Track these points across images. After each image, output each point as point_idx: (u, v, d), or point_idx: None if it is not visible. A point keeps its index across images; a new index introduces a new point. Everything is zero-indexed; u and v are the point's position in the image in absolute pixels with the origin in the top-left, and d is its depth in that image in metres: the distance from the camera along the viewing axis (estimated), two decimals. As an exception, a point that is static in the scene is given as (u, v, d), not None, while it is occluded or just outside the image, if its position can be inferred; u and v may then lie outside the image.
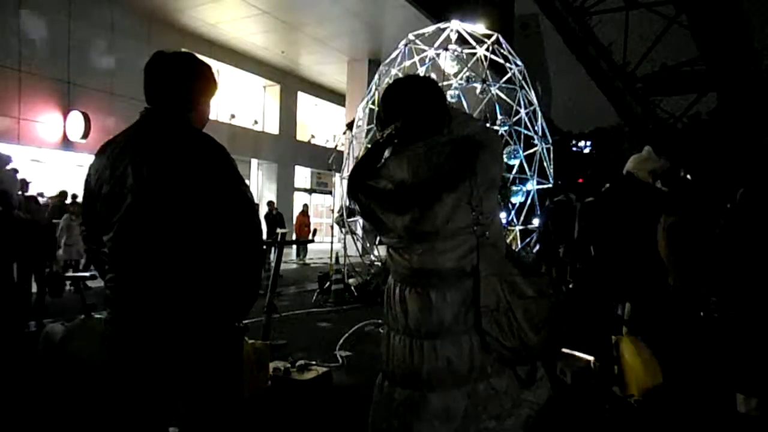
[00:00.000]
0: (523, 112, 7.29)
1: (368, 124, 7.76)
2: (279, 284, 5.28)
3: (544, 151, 7.39)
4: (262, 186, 19.30)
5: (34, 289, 5.76)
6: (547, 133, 7.64)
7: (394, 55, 7.59)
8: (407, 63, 7.48)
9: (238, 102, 18.23)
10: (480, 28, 7.91)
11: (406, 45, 7.48)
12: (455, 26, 7.47)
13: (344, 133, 8.64)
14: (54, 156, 12.23)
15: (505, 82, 7.39)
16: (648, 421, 3.10)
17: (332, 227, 10.09)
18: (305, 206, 16.50)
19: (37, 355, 4.06)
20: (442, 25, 7.66)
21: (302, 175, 21.46)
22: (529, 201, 7.39)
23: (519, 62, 7.50)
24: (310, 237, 13.94)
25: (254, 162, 19.04)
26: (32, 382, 3.55)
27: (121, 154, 1.52)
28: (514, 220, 7.35)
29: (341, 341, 4.78)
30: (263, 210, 13.65)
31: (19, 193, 6.47)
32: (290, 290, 8.70)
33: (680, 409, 3.21)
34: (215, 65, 15.12)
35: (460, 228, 1.59)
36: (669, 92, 21.71)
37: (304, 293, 8.23)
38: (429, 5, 13.92)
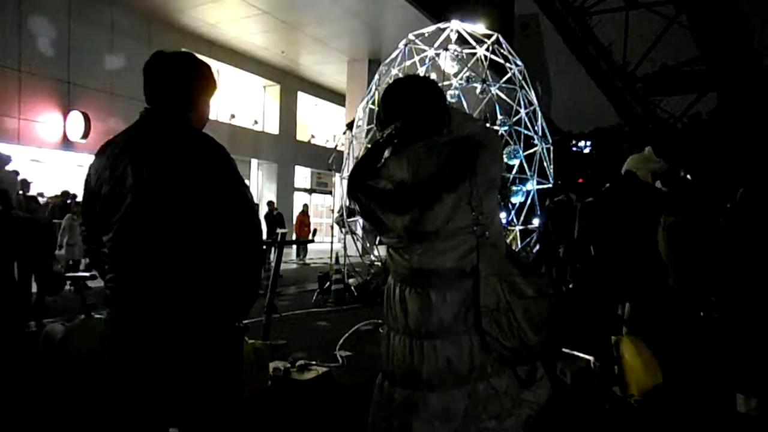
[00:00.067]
0: (523, 112, 7.29)
1: (368, 124, 7.75)
2: (279, 284, 5.28)
3: (544, 151, 7.39)
4: (262, 186, 19.30)
5: (34, 289, 5.75)
6: (547, 133, 7.64)
7: (394, 55, 7.59)
8: (407, 63, 7.48)
9: (238, 102, 18.23)
10: (480, 28, 7.91)
11: (406, 45, 7.48)
12: (455, 26, 7.47)
13: (344, 133, 8.64)
14: (54, 156, 12.23)
15: (505, 82, 7.39)
16: (648, 421, 3.10)
17: (332, 227, 10.09)
18: (305, 206, 16.50)
19: (37, 355, 4.06)
20: (442, 25, 7.66)
21: (302, 175, 21.46)
22: (529, 201, 7.39)
23: (519, 62, 7.50)
24: (310, 237, 13.96)
25: (254, 162, 19.04)
26: (32, 382, 3.55)
27: (121, 155, 1.52)
28: (514, 220, 7.35)
29: (341, 341, 4.78)
30: (263, 210, 13.66)
31: (20, 192, 6.48)
32: (290, 290, 8.69)
33: (680, 409, 3.21)
34: (215, 65, 15.12)
35: (460, 228, 1.59)
36: (669, 92, 21.71)
37: (304, 293, 8.23)
38: (429, 5, 13.92)
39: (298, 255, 14.91)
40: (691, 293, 4.79)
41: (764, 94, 18.26)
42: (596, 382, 3.57)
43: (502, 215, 6.99)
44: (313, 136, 21.88)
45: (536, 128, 7.42)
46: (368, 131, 7.75)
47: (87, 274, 4.53)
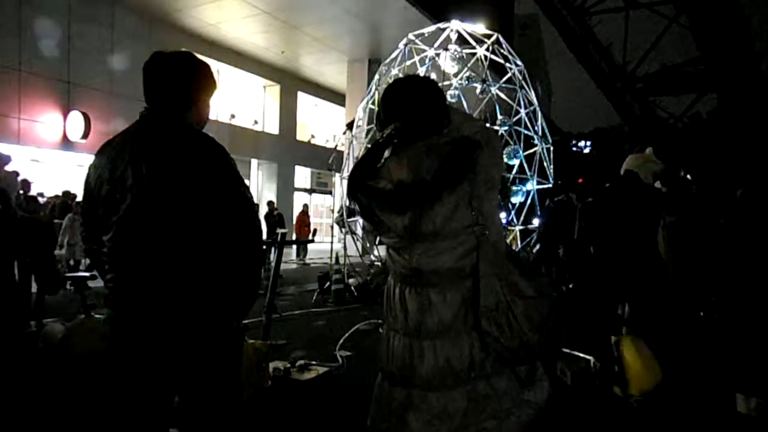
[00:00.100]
0: (523, 112, 7.28)
1: (368, 124, 7.74)
2: (279, 284, 5.28)
3: (544, 151, 7.39)
4: (262, 186, 19.30)
5: (34, 289, 5.76)
6: (547, 133, 7.63)
7: (394, 55, 7.59)
8: (407, 63, 7.48)
9: (238, 102, 18.23)
10: (480, 28, 7.89)
11: (406, 45, 7.48)
12: (455, 26, 7.46)
13: (344, 133, 8.63)
14: (54, 156, 12.23)
15: (505, 82, 7.38)
16: (648, 421, 3.10)
17: (332, 227, 10.09)
18: (305, 206, 16.50)
19: (37, 355, 4.06)
20: (442, 25, 7.65)
21: (302, 175, 21.46)
22: (529, 201, 7.38)
23: (519, 62, 7.49)
24: (310, 237, 13.96)
25: (254, 162, 19.04)
26: (32, 382, 3.55)
27: (121, 155, 1.52)
28: (514, 220, 7.35)
29: (341, 341, 4.78)
30: (263, 210, 13.66)
31: (21, 192, 6.48)
32: (290, 290, 8.69)
33: (680, 409, 3.21)
34: (215, 65, 15.12)
35: (460, 228, 1.59)
36: (669, 92, 21.69)
37: (304, 293, 8.23)
38: (429, 5, 13.92)
39: (298, 255, 14.91)
40: (691, 293, 4.79)
41: (764, 95, 18.25)
42: (596, 382, 3.57)
43: (502, 215, 6.98)
44: (313, 136, 21.88)
45: (536, 128, 7.42)
46: (368, 131, 7.74)
47: (87, 274, 4.53)
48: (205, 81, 1.66)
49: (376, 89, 7.57)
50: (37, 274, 5.38)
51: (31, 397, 3.27)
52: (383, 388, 1.71)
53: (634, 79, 20.99)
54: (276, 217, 13.26)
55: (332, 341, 4.79)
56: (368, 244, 7.96)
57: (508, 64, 7.39)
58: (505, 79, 7.41)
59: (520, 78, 7.34)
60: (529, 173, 7.25)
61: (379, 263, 7.79)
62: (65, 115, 11.99)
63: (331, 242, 8.69)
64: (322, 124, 22.60)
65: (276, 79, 18.97)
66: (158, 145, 1.51)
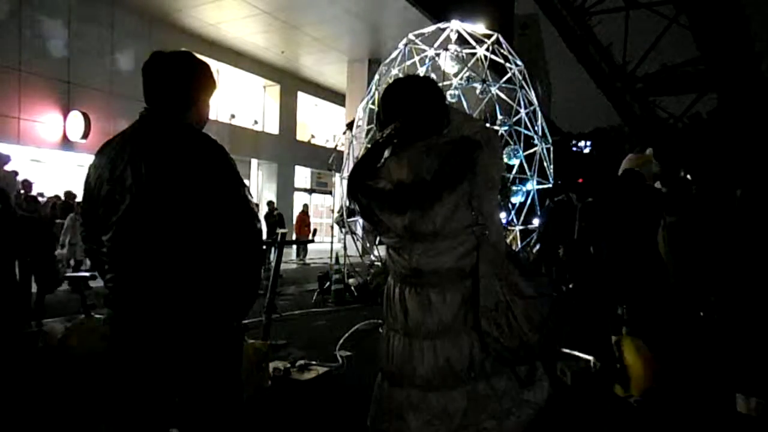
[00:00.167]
0: (523, 112, 7.28)
1: (368, 124, 7.75)
2: (279, 284, 5.28)
3: (544, 151, 7.39)
4: (262, 186, 19.30)
5: (34, 289, 5.76)
6: (547, 133, 7.63)
7: (394, 55, 7.59)
8: (407, 63, 7.48)
9: (238, 102, 18.23)
10: (480, 28, 7.89)
11: (406, 45, 7.48)
12: (455, 26, 7.46)
13: (344, 133, 8.63)
14: (54, 156, 12.23)
15: (505, 82, 7.38)
16: (648, 421, 3.10)
17: (332, 227, 10.09)
18: (305, 206, 16.51)
19: (36, 355, 4.06)
20: (442, 25, 7.66)
21: (302, 175, 21.46)
22: (529, 201, 7.38)
23: (519, 62, 7.49)
24: (310, 237, 13.97)
25: (254, 162, 19.05)
26: (32, 382, 3.55)
27: (120, 155, 1.52)
28: (514, 220, 7.35)
29: (341, 341, 4.78)
30: (263, 210, 13.66)
31: (21, 192, 6.48)
32: (290, 290, 8.69)
33: (680, 409, 3.21)
34: (215, 65, 15.13)
35: (460, 228, 1.59)
36: (669, 92, 21.70)
37: (304, 293, 8.23)
38: (429, 5, 13.92)
39: (298, 255, 14.92)
40: (691, 293, 4.79)
41: (764, 95, 18.25)
42: (596, 382, 3.57)
43: (502, 215, 6.98)
44: (313, 136, 21.88)
45: (536, 128, 7.42)
46: (368, 131, 7.74)
47: (87, 274, 4.53)
48: (204, 81, 1.66)
49: (376, 89, 7.57)
50: (36, 273, 5.38)
51: (31, 397, 3.27)
52: (383, 388, 1.71)
53: (634, 79, 20.99)
54: (276, 218, 13.26)
55: (332, 341, 4.79)
56: (368, 244, 7.96)
57: (508, 64, 7.39)
58: (505, 79, 7.41)
59: (520, 78, 7.34)
60: (529, 173, 7.26)
61: (379, 263, 7.79)
62: (65, 115, 12.00)
63: (331, 242, 8.69)
64: (322, 124, 22.61)
65: (276, 79, 18.97)
66: (158, 145, 1.51)
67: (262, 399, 3.17)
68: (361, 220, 7.05)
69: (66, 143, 12.03)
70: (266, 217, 13.09)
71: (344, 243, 8.40)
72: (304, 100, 20.90)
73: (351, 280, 7.85)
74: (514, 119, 7.33)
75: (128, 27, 13.21)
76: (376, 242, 7.52)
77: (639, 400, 3.24)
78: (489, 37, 7.40)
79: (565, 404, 3.15)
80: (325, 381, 3.60)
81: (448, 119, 1.68)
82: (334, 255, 8.17)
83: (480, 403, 1.59)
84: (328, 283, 7.74)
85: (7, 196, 4.90)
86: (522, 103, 7.26)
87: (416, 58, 7.43)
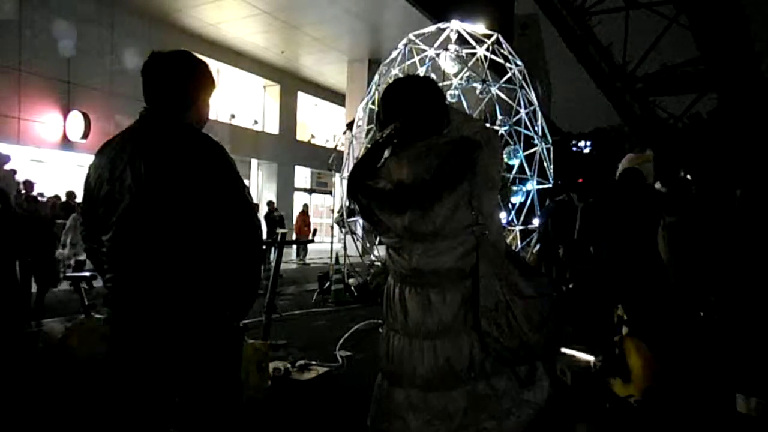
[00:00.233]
0: (523, 112, 7.28)
1: (368, 124, 7.75)
2: (279, 284, 5.28)
3: (544, 151, 7.39)
4: (262, 186, 19.30)
5: (34, 289, 5.76)
6: (547, 133, 7.63)
7: (394, 55, 7.59)
8: (407, 63, 7.48)
9: (238, 102, 18.23)
10: (480, 28, 7.90)
11: (406, 45, 7.48)
12: (455, 26, 7.46)
13: (344, 133, 8.63)
14: (54, 156, 12.23)
15: (505, 82, 7.38)
16: (648, 421, 3.10)
17: (332, 227, 10.09)
18: (305, 206, 16.51)
19: (37, 355, 4.06)
20: (442, 25, 7.66)
21: (302, 175, 21.46)
22: (529, 201, 7.38)
23: (519, 62, 7.49)
24: (310, 237, 13.97)
25: (254, 162, 19.05)
26: (32, 382, 3.54)
27: (120, 155, 1.52)
28: (514, 220, 7.35)
29: (341, 341, 4.78)
30: (263, 210, 13.66)
31: (22, 192, 6.48)
32: (290, 290, 8.69)
33: (680, 409, 3.21)
34: (215, 65, 15.12)
35: (460, 228, 1.59)
36: (669, 92, 21.69)
37: (304, 293, 8.23)
38: (429, 5, 13.92)
39: (298, 255, 14.91)
40: (691, 293, 4.79)
41: (764, 95, 18.25)
42: (596, 382, 3.57)
43: (502, 215, 6.98)
44: (313, 136, 21.88)
45: (536, 128, 7.42)
46: (368, 131, 7.74)
47: (87, 273, 4.53)
48: (203, 80, 1.65)
49: (376, 89, 7.57)
50: (36, 272, 5.39)
51: (30, 397, 3.27)
52: (383, 388, 1.71)
53: (634, 79, 20.98)
54: (276, 218, 13.26)
55: (332, 341, 4.79)
56: (368, 244, 7.96)
57: (508, 64, 7.39)
58: (505, 79, 7.42)
59: (520, 78, 7.34)
60: (529, 173, 7.26)
61: (379, 263, 7.79)
62: (65, 115, 12.00)
63: (331, 242, 8.70)
64: (322, 124, 22.61)
65: (276, 79, 18.97)
66: (157, 144, 1.51)
67: (262, 399, 3.17)
68: (361, 220, 7.05)
69: (66, 143, 12.03)
70: (266, 217, 13.09)
71: (344, 243, 8.40)
72: (304, 100, 20.90)
73: (351, 280, 7.85)
74: (514, 119, 7.33)
75: (128, 27, 13.21)
76: (376, 242, 7.52)
77: (639, 400, 3.24)
78: (489, 37, 7.40)
79: (565, 404, 3.15)
80: (325, 381, 3.60)
81: (448, 119, 1.68)
82: (334, 255, 8.18)
83: (480, 403, 1.59)
84: (328, 283, 7.74)
85: (7, 197, 4.91)
86: (522, 103, 7.26)
87: (416, 58, 7.43)
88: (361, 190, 1.66)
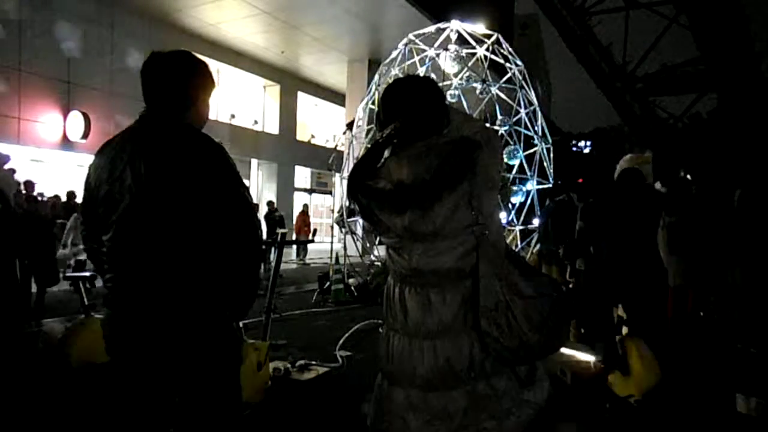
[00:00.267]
0: (523, 112, 7.28)
1: (368, 124, 7.75)
2: (279, 284, 5.28)
3: (544, 151, 7.38)
4: (262, 186, 19.31)
5: (33, 289, 5.75)
6: (547, 133, 7.63)
7: (394, 55, 7.59)
8: (407, 63, 7.48)
9: (238, 102, 18.23)
10: (480, 28, 7.89)
11: (406, 45, 7.48)
12: (455, 26, 7.46)
13: (344, 133, 8.63)
14: (54, 156, 12.23)
15: (505, 82, 7.38)
16: (648, 421, 3.10)
17: (332, 227, 10.09)
18: (305, 206, 16.51)
19: (36, 355, 4.06)
20: (442, 25, 7.65)
21: (302, 175, 21.46)
22: (529, 201, 7.38)
23: (519, 62, 7.49)
24: (310, 237, 13.97)
25: (254, 162, 19.05)
26: (32, 382, 3.54)
27: (120, 155, 1.52)
28: (514, 220, 7.35)
29: (341, 341, 4.78)
30: (263, 210, 13.66)
31: (23, 192, 6.48)
32: (290, 290, 8.70)
33: (680, 409, 3.21)
34: (215, 65, 15.13)
35: (460, 228, 1.59)
36: (669, 92, 21.70)
37: (304, 293, 8.23)
38: (429, 5, 13.92)
39: (298, 255, 14.92)
40: (691, 293, 4.79)
41: (764, 95, 18.26)
42: (596, 382, 3.57)
43: (502, 215, 6.98)
44: (313, 136, 21.88)
45: (536, 128, 7.42)
46: (368, 131, 7.74)
47: (87, 273, 4.53)
48: (203, 80, 1.65)
49: (376, 89, 7.57)
50: (36, 272, 5.38)
51: (30, 396, 3.27)
52: (383, 388, 1.71)
53: (634, 79, 20.99)
54: (277, 218, 13.27)
55: (332, 341, 4.79)
56: (368, 244, 7.96)
57: (508, 64, 7.39)
58: (505, 79, 7.41)
59: (520, 78, 7.34)
60: (529, 173, 7.25)
61: (379, 263, 7.79)
62: (65, 115, 12.00)
63: (331, 242, 8.70)
64: (322, 124, 22.61)
65: (276, 79, 18.98)
66: (157, 144, 1.51)
67: (262, 399, 3.17)
68: (361, 220, 7.05)
69: (66, 143, 12.03)
70: (266, 217, 13.09)
71: (344, 243, 8.40)
72: (304, 100, 20.91)
73: (351, 280, 7.85)
74: (514, 119, 7.32)
75: (128, 27, 13.21)
76: (376, 242, 7.52)
77: (639, 400, 3.24)
78: (489, 37, 7.40)
79: (565, 404, 3.15)
80: (325, 381, 3.61)
81: (448, 119, 1.68)
82: (334, 255, 8.18)
83: (480, 403, 1.59)
84: (328, 283, 7.74)
85: (6, 196, 4.90)
86: (522, 103, 7.26)
87: (416, 58, 7.43)
88: (361, 190, 1.66)
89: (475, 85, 7.29)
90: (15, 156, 6.31)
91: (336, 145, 10.73)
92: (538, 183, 7.36)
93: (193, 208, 1.47)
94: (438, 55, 7.34)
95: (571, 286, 5.67)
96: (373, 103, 7.51)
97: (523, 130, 7.32)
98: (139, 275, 1.49)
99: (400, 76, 5.47)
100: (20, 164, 7.91)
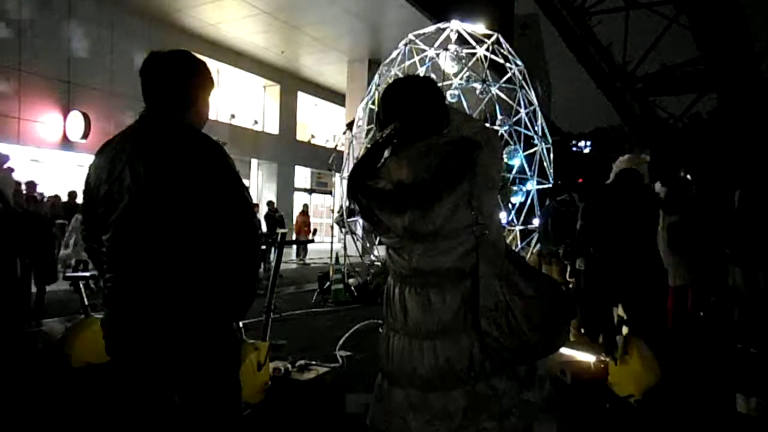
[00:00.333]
0: (523, 112, 7.27)
1: (368, 124, 7.74)
2: (279, 284, 5.28)
3: (544, 151, 7.38)
4: (262, 186, 19.31)
5: (33, 289, 5.75)
6: (547, 133, 7.62)
7: (394, 55, 7.59)
8: (407, 63, 7.48)
9: (238, 102, 18.24)
10: (480, 28, 7.89)
11: (406, 45, 7.48)
12: (455, 26, 7.45)
13: (344, 133, 8.63)
14: (54, 156, 12.24)
15: (505, 82, 7.38)
16: (648, 421, 3.10)
17: (332, 227, 10.09)
18: (305, 206, 16.51)
19: (36, 355, 4.06)
20: (442, 25, 7.65)
21: (302, 175, 21.47)
22: (529, 201, 7.38)
23: (519, 62, 7.49)
24: (310, 237, 13.97)
25: (254, 162, 19.05)
26: (31, 382, 3.54)
27: (120, 155, 1.52)
28: (514, 220, 7.34)
29: (341, 341, 4.78)
30: (263, 210, 13.66)
31: (24, 192, 6.47)
32: (290, 290, 8.70)
33: (680, 409, 3.21)
34: (215, 65, 15.13)
35: (460, 228, 1.59)
36: (669, 92, 21.70)
37: (304, 293, 8.23)
38: (429, 5, 13.92)
39: (298, 255, 14.92)
40: (691, 293, 4.79)
41: (764, 95, 18.26)
42: (596, 382, 3.57)
43: (502, 215, 6.98)
44: (313, 136, 21.89)
45: (536, 128, 7.41)
46: (368, 131, 7.74)
47: (87, 273, 4.53)
48: (203, 79, 1.65)
49: (376, 89, 7.57)
50: (36, 271, 5.38)
51: (30, 396, 3.27)
52: (383, 388, 1.71)
53: (634, 79, 21.00)
54: (277, 218, 13.27)
55: (332, 341, 4.79)
56: (368, 244, 7.96)
57: (508, 64, 7.39)
58: (505, 79, 7.41)
59: (520, 78, 7.33)
60: (529, 173, 7.25)
61: (379, 263, 7.79)
62: (65, 115, 12.00)
63: (331, 242, 8.70)
64: (322, 124, 22.61)
65: (276, 79, 18.98)
66: (156, 144, 1.51)
67: (262, 399, 3.17)
68: (361, 220, 7.05)
69: (66, 143, 12.03)
70: (266, 217, 13.09)
71: (344, 243, 8.40)
72: (304, 100, 20.91)
73: (351, 280, 7.85)
74: (514, 119, 7.32)
75: (128, 27, 13.22)
76: (376, 242, 7.52)
77: (639, 400, 3.24)
78: (489, 37, 7.39)
79: (565, 404, 3.15)
80: (325, 381, 3.60)
81: (448, 119, 1.68)
82: (334, 255, 8.18)
83: (480, 403, 1.59)
84: (328, 283, 7.74)
85: (6, 195, 4.90)
86: (522, 103, 7.26)
87: (416, 58, 7.43)
88: (361, 190, 1.66)
89: (475, 85, 7.29)
90: (15, 156, 6.32)
91: (336, 145, 10.73)
92: (538, 183, 7.36)
93: (193, 208, 1.47)
94: (438, 55, 7.33)
95: (571, 286, 5.67)
96: (373, 103, 7.51)
97: (523, 130, 7.31)
98: (139, 275, 1.49)
99: (400, 76, 5.47)
100: (20, 164, 7.89)
